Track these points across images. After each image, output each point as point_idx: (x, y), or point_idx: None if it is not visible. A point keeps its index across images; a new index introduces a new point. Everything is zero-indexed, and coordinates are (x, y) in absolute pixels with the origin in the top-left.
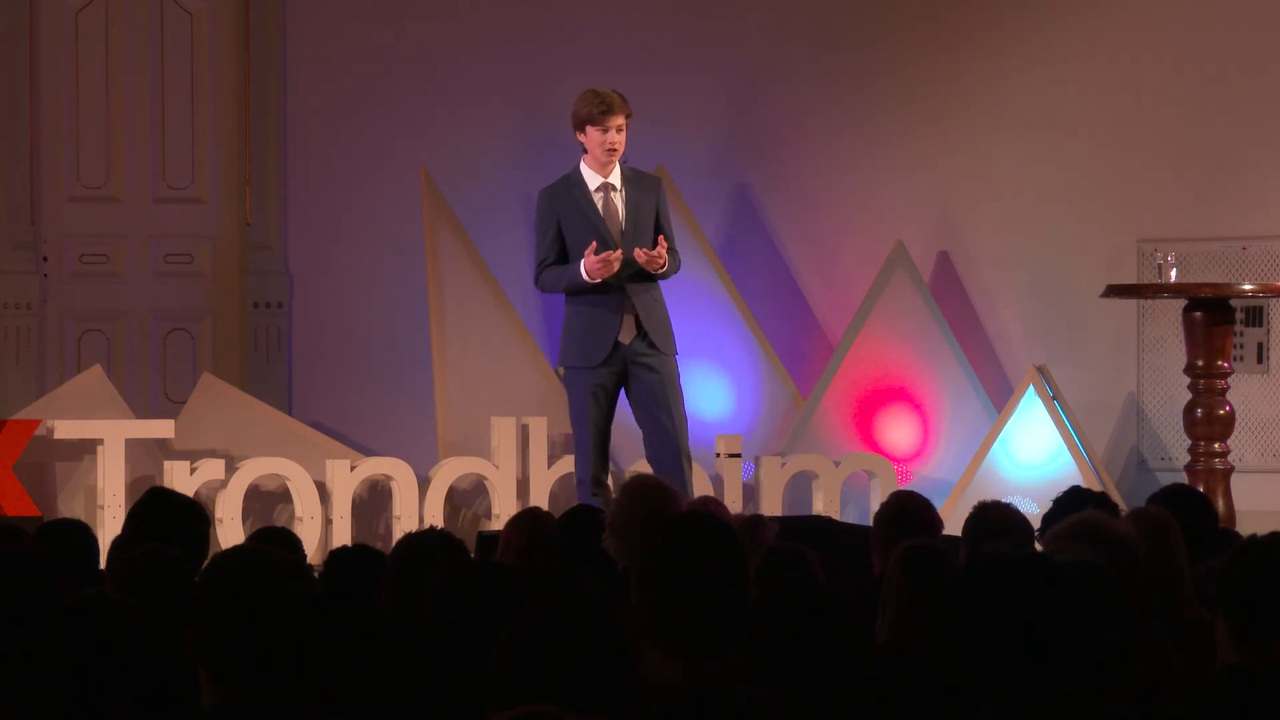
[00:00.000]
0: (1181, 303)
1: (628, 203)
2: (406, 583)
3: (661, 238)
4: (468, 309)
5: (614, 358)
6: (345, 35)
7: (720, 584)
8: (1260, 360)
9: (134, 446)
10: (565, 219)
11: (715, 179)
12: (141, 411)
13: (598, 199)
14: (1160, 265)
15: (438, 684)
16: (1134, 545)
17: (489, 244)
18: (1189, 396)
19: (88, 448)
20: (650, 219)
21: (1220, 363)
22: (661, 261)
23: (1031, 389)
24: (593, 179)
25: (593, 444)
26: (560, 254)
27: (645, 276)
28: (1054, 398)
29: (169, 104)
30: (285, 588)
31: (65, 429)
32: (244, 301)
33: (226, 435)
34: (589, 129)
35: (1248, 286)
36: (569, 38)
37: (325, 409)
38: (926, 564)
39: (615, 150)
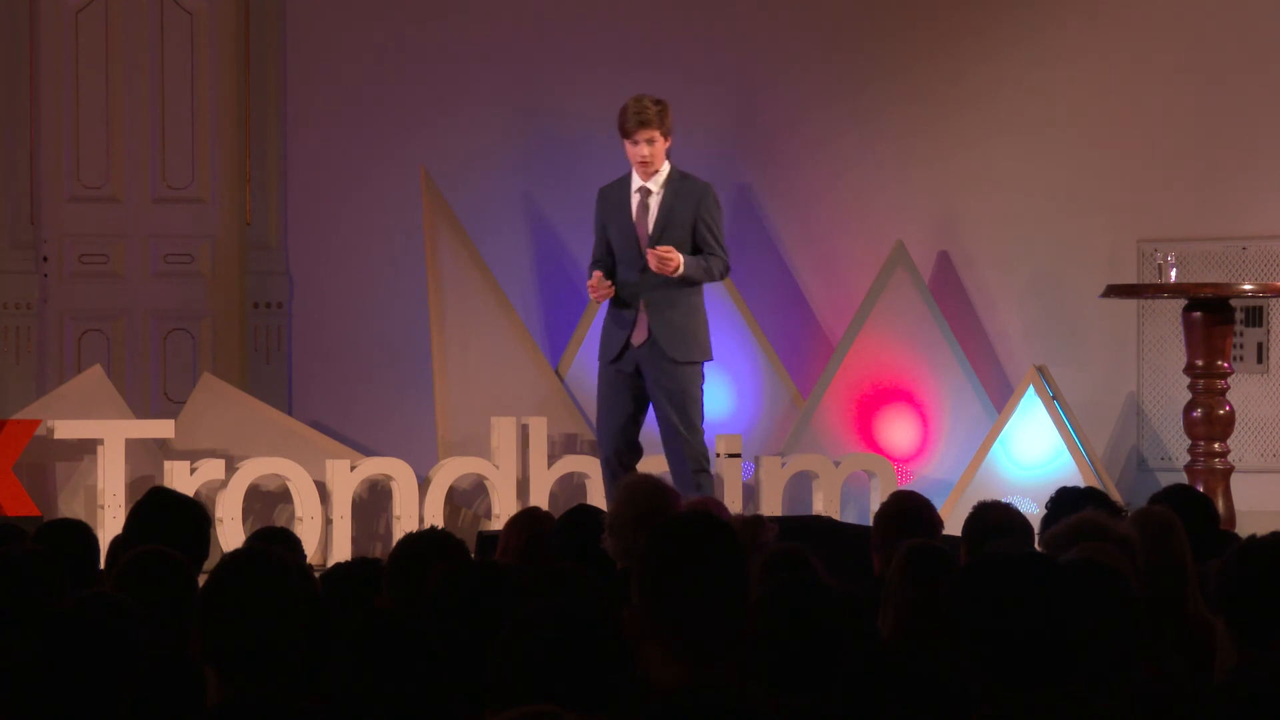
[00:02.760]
0: (1181, 303)
1: (661, 207)
2: (406, 583)
3: (676, 251)
4: (468, 309)
5: (626, 357)
6: (345, 35)
7: (720, 584)
8: (1260, 360)
9: (134, 446)
10: (608, 219)
11: (715, 179)
12: (141, 411)
13: (634, 201)
14: (1160, 265)
15: (437, 684)
16: (1134, 545)
17: (489, 244)
18: (1189, 396)
19: (88, 448)
20: (684, 224)
21: (1220, 363)
22: (673, 265)
23: (1031, 389)
24: (635, 181)
25: (607, 425)
26: (608, 252)
27: (670, 284)
28: (1054, 398)
29: (169, 104)
30: (292, 588)
31: (65, 429)
32: (244, 301)
33: (226, 435)
34: (624, 140)
35: (1248, 286)
36: (569, 38)
37: (325, 409)
38: (927, 564)
39: (645, 163)
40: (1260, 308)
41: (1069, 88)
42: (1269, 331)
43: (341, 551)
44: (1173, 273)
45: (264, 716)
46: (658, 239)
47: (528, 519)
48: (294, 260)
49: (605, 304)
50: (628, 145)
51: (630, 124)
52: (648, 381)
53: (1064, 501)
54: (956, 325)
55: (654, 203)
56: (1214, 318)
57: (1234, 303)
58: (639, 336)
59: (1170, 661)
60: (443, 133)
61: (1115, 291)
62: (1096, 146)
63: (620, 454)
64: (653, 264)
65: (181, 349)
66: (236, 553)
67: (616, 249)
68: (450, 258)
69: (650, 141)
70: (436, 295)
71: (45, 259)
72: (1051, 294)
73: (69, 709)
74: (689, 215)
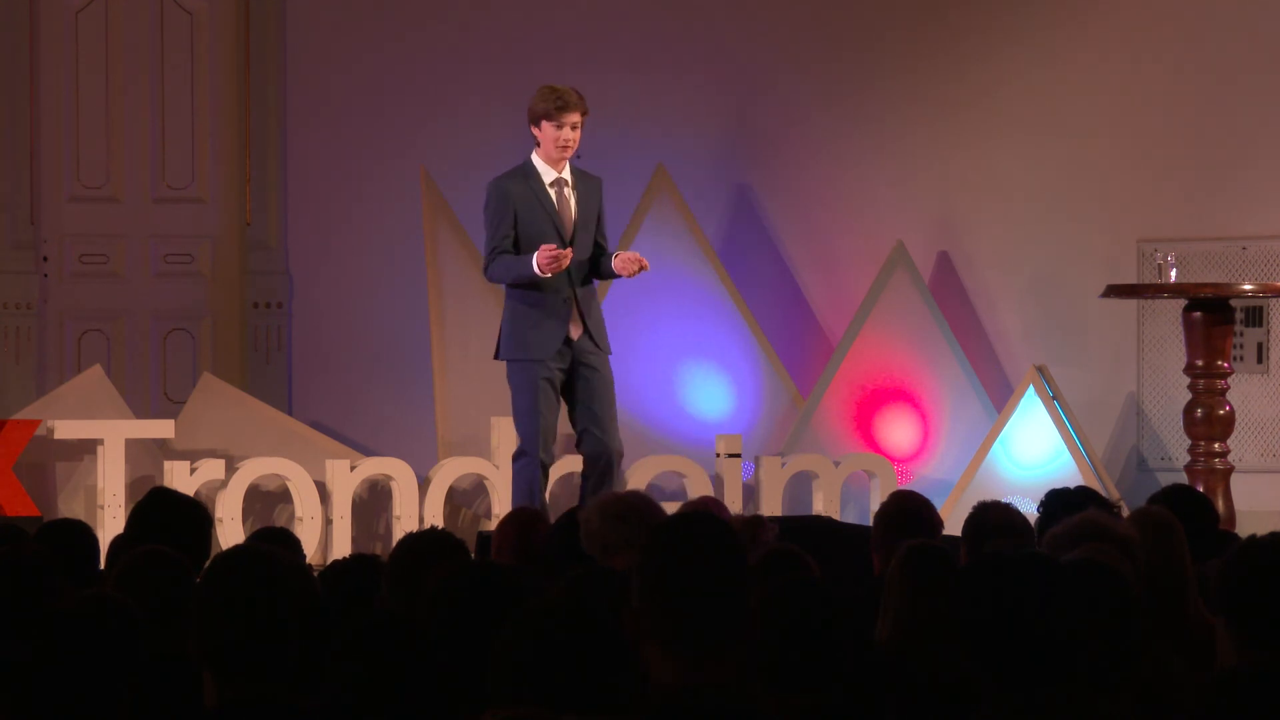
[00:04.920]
0: (1181, 303)
1: (578, 200)
2: (406, 583)
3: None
4: (468, 309)
5: (563, 353)
6: (345, 35)
7: (720, 584)
8: (1260, 360)
9: (134, 446)
10: (521, 211)
11: (715, 179)
12: (141, 411)
13: (552, 193)
14: (1160, 265)
15: (437, 684)
16: (1134, 545)
17: None
18: (1189, 396)
19: (88, 448)
20: (595, 217)
21: (1220, 363)
22: (644, 266)
23: (1031, 389)
24: (547, 173)
25: (541, 428)
26: (513, 245)
27: (590, 278)
28: (1054, 398)
29: (169, 104)
30: (287, 587)
31: (65, 429)
32: (244, 301)
33: (226, 435)
34: (544, 124)
35: (1248, 286)
36: (569, 38)
37: (325, 409)
38: (927, 564)
39: (568, 147)
40: (1260, 308)
41: (1069, 88)
42: (1269, 331)
43: (341, 552)
44: (1173, 273)
45: (263, 717)
46: (581, 231)
47: (519, 518)
48: (294, 260)
49: (514, 303)
50: (548, 127)
51: (556, 105)
52: (579, 379)
53: (1055, 503)
54: (956, 325)
55: (571, 196)
56: (1214, 318)
57: (1234, 303)
58: (576, 331)
59: (1170, 661)
60: (443, 133)
61: (1115, 291)
62: (1096, 147)
63: (547, 461)
64: (631, 270)
65: (181, 349)
66: (228, 552)
67: (532, 242)
68: (450, 258)
69: (574, 126)
70: (436, 295)
71: (45, 259)
72: (1051, 294)
73: (69, 709)
74: (596, 208)
